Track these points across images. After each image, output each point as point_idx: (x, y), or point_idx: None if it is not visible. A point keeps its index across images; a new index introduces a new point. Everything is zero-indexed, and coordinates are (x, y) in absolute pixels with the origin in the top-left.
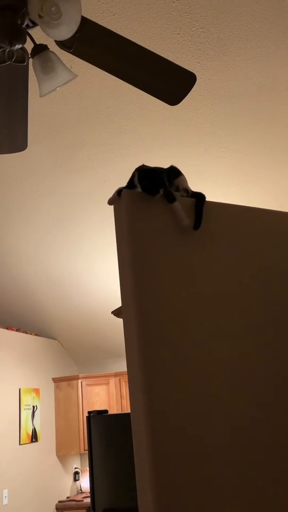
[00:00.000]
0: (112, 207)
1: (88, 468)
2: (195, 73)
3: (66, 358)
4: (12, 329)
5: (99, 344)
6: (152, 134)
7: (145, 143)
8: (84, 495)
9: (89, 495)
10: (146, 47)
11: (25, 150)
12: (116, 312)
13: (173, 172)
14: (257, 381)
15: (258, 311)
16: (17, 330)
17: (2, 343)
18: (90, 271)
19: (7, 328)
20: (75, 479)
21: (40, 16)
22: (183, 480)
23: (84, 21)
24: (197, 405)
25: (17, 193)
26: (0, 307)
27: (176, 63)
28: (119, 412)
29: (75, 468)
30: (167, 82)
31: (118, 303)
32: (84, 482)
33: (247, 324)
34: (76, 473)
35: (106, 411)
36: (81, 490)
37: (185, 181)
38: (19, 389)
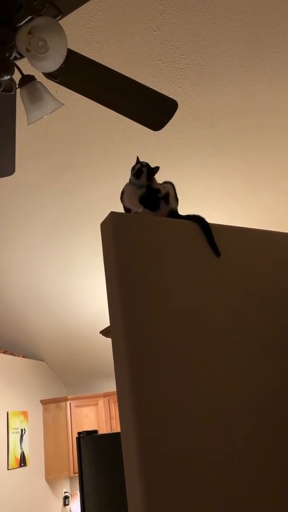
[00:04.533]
0: (99, 227)
1: (78, 492)
2: (177, 98)
3: (54, 380)
4: None
5: (87, 365)
6: (136, 156)
7: (129, 165)
8: None
9: None
10: (129, 73)
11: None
12: (105, 332)
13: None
14: (251, 399)
15: (250, 327)
16: (4, 352)
17: None
18: (77, 291)
19: None
20: (65, 504)
21: (27, 50)
22: (174, 501)
23: (70, 53)
24: (188, 424)
25: (3, 214)
26: None
27: (158, 88)
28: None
29: (65, 492)
30: (150, 109)
31: (106, 323)
32: (74, 507)
33: (239, 342)
34: (66, 497)
35: (96, 431)
36: None
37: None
38: (7, 413)
